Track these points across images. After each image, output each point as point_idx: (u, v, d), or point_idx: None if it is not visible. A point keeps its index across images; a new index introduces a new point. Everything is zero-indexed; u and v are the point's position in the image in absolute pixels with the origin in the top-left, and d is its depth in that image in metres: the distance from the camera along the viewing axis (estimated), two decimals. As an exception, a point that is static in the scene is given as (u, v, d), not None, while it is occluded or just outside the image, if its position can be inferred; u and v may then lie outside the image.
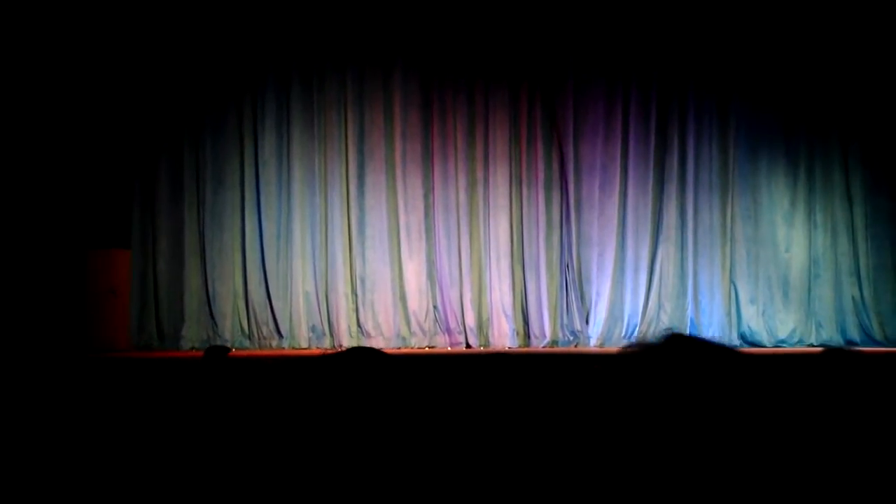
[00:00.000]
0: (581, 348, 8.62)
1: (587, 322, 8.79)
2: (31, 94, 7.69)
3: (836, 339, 9.00)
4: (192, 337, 8.13)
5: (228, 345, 8.10)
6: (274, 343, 8.25)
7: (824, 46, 9.11)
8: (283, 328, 8.28)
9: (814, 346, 8.92)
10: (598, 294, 8.80)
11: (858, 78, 9.17)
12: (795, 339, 8.98)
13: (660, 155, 8.97)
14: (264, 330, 8.27)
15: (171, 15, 8.12)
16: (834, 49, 9.11)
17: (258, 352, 7.97)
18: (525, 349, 8.54)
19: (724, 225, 9.01)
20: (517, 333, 8.69)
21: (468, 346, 8.53)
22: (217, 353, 3.09)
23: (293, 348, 8.23)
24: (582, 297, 8.80)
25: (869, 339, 9.03)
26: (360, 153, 8.57)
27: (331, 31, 8.50)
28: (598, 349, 8.51)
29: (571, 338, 8.73)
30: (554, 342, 8.68)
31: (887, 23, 9.06)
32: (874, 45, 9.14)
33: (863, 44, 9.13)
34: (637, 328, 8.80)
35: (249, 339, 8.23)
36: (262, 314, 8.29)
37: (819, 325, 9.06)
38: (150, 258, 8.14)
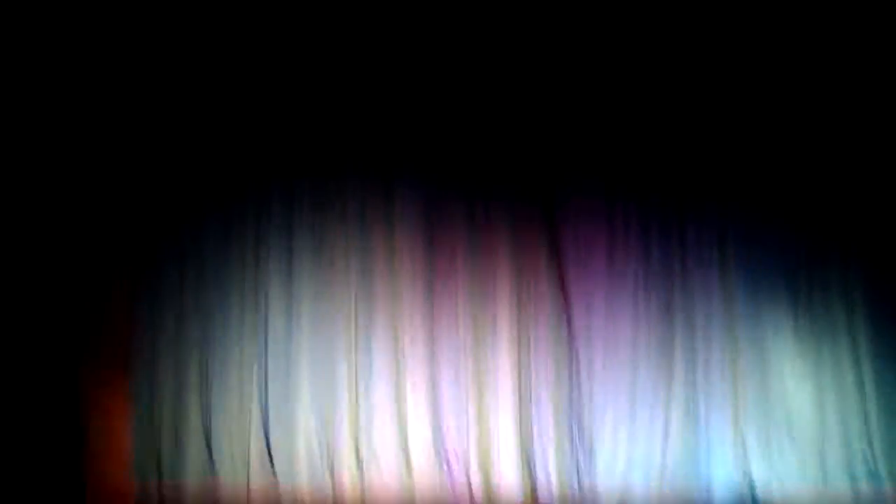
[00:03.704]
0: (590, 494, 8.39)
1: (596, 466, 8.59)
2: (32, 212, 7.87)
3: (847, 494, 8.80)
4: (190, 471, 7.95)
5: (226, 480, 7.93)
6: (271, 480, 8.05)
7: (825, 206, 9.36)
8: (282, 465, 8.14)
9: (822, 489, 8.71)
10: (610, 449, 8.63)
11: (867, 243, 9.36)
12: (805, 483, 8.76)
13: (667, 317, 8.94)
14: (261, 466, 8.11)
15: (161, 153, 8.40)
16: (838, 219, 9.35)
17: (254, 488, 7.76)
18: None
19: (734, 374, 8.92)
20: (524, 492, 8.45)
21: (473, 501, 8.32)
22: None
23: (292, 486, 8.03)
24: (592, 456, 8.61)
25: (880, 494, 8.83)
26: (366, 291, 8.61)
27: (336, 176, 8.75)
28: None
29: (578, 490, 8.50)
30: (562, 499, 8.45)
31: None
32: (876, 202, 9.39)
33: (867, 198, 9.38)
34: (649, 482, 8.57)
35: (247, 475, 8.05)
36: (262, 450, 8.16)
37: (828, 470, 8.84)
38: (153, 389, 8.07)
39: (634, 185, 9.15)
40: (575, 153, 9.11)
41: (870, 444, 8.99)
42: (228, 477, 8.03)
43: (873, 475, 8.90)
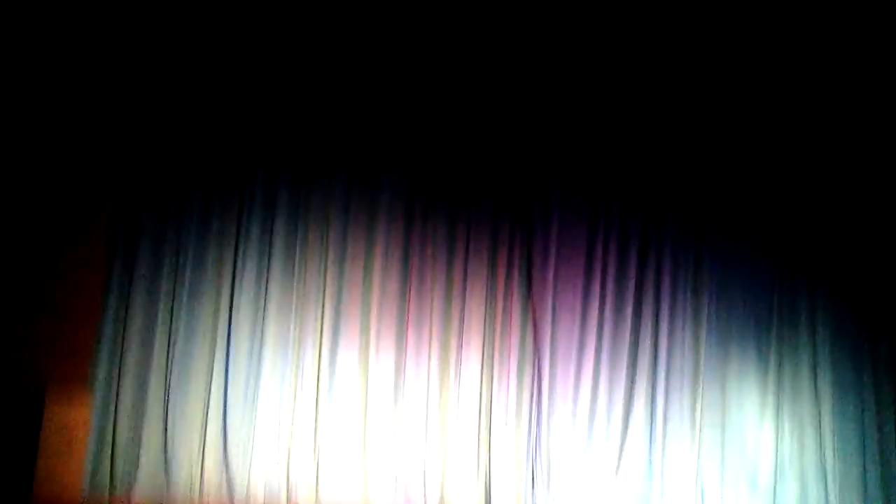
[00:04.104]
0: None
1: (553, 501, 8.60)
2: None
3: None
4: (145, 489, 7.71)
5: (180, 499, 7.77)
6: (226, 501, 7.89)
7: (794, 236, 9.45)
8: (238, 486, 7.92)
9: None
10: (566, 476, 8.68)
11: (829, 267, 9.46)
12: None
13: (633, 347, 9.10)
14: (217, 487, 7.89)
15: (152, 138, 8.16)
16: (807, 240, 9.44)
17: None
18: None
19: (692, 417, 9.06)
20: (480, 508, 8.46)
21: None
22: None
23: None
24: (549, 482, 8.67)
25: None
26: (335, 319, 8.49)
27: (314, 184, 8.62)
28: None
29: (536, 520, 8.53)
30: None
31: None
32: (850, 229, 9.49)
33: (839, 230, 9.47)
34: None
35: (202, 494, 7.86)
36: (218, 470, 7.89)
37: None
38: (112, 404, 7.87)
39: (614, 206, 9.24)
40: (558, 170, 9.16)
41: (826, 497, 9.10)
42: (183, 491, 7.84)
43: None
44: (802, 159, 9.58)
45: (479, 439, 8.65)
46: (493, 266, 9.01)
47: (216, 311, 8.21)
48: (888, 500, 9.21)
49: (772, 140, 9.51)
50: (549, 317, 9.01)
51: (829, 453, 9.24)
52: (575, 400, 8.93)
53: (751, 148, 9.49)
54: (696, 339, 9.25)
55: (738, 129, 9.47)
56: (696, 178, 9.44)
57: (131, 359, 7.92)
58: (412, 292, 8.76)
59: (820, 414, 9.35)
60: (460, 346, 8.78)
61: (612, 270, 9.20)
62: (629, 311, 9.18)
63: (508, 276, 9.03)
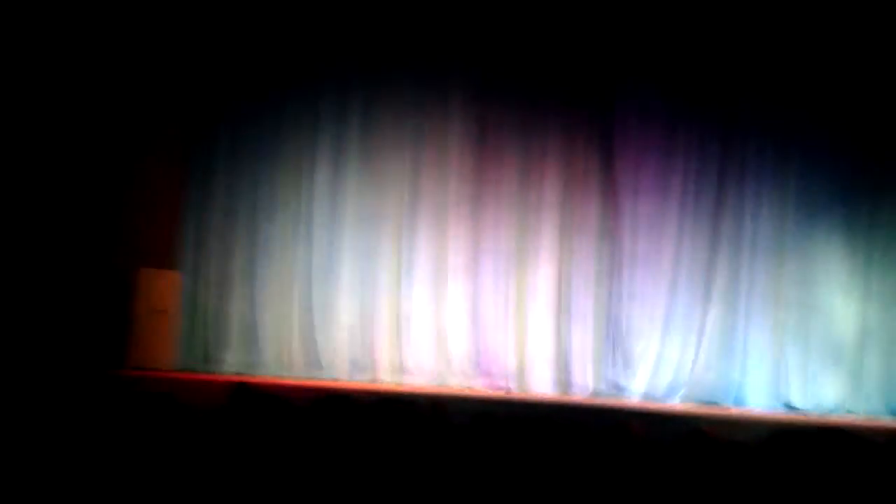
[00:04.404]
0: (623, 401, 8.48)
1: (631, 376, 8.67)
2: (93, 107, 7.85)
3: (884, 412, 8.80)
4: (234, 362, 8.14)
5: (268, 373, 8.13)
6: (313, 374, 8.24)
7: (882, 112, 8.97)
8: (324, 360, 8.28)
9: (859, 416, 8.72)
10: (644, 349, 8.68)
11: None
12: (842, 409, 8.77)
13: (716, 214, 8.87)
14: (304, 360, 8.26)
15: (239, 48, 8.26)
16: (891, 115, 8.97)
17: (293, 381, 7.91)
18: (564, 398, 8.44)
19: (777, 289, 8.86)
20: (557, 382, 8.59)
21: (507, 390, 8.44)
22: (241, 394, 3.10)
23: (332, 380, 8.22)
24: (627, 351, 8.68)
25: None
26: (413, 191, 8.59)
27: (391, 71, 8.54)
28: (640, 404, 8.39)
29: (614, 391, 8.60)
30: (595, 394, 8.55)
31: None
32: None
33: None
34: (683, 387, 8.67)
35: (289, 368, 8.23)
36: (304, 344, 8.29)
37: (867, 397, 8.85)
38: (201, 282, 8.21)
39: (695, 95, 8.86)
40: (636, 61, 8.80)
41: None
42: (271, 368, 8.20)
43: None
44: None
45: (557, 315, 8.69)
46: (570, 140, 8.81)
47: (297, 191, 8.43)
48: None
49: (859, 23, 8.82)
50: (629, 189, 8.81)
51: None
52: (655, 275, 8.81)
53: (835, 32, 8.82)
54: (782, 208, 8.94)
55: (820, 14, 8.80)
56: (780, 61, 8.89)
57: (215, 242, 8.26)
58: (488, 169, 8.69)
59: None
60: (538, 219, 8.72)
61: (695, 144, 8.88)
62: (712, 183, 8.88)
63: (587, 149, 8.84)
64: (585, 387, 8.57)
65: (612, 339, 8.71)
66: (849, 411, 8.76)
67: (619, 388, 8.62)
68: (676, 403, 8.57)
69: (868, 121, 9.00)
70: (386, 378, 8.34)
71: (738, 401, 8.67)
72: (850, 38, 8.81)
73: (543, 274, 8.70)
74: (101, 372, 6.93)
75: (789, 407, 8.71)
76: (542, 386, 8.54)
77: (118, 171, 7.95)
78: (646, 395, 8.61)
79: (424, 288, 8.53)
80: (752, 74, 8.89)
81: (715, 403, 8.60)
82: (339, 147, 8.50)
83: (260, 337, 8.22)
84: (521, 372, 8.56)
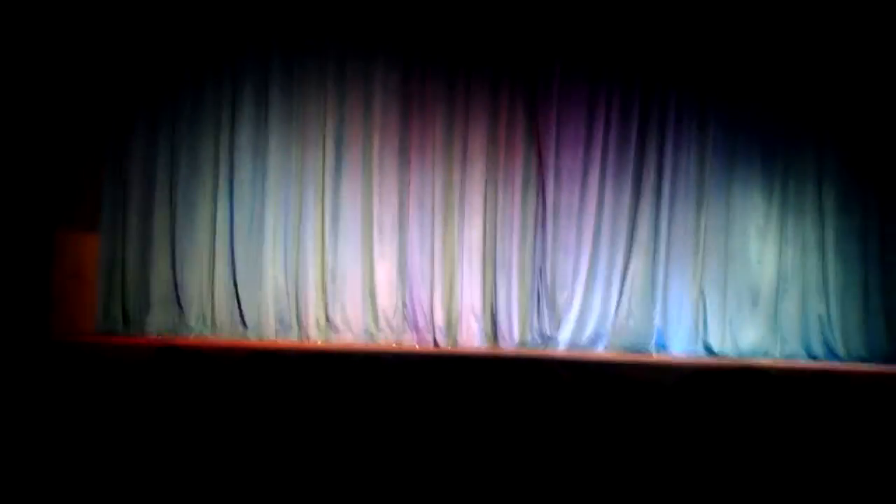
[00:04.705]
0: (549, 351, 8.62)
1: (557, 327, 8.81)
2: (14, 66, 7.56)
3: (800, 354, 9.14)
4: (157, 323, 8.00)
5: (192, 334, 8.03)
6: (238, 333, 8.15)
7: (803, 63, 9.21)
8: (250, 319, 8.18)
9: (777, 359, 9.04)
10: (569, 299, 8.82)
11: (837, 96, 9.29)
12: (760, 352, 9.08)
13: (638, 164, 9.02)
14: (229, 320, 8.16)
15: None
16: (813, 66, 9.22)
17: (219, 342, 7.83)
18: (493, 350, 8.53)
19: (696, 236, 9.10)
20: (486, 334, 8.68)
21: (436, 344, 8.50)
22: (166, 355, 3.05)
23: (259, 340, 8.15)
24: (553, 302, 8.82)
25: (832, 354, 9.17)
26: (338, 144, 8.51)
27: (313, 17, 8.40)
28: (566, 353, 8.53)
29: (540, 341, 8.74)
30: (522, 344, 8.68)
31: (866, 43, 9.17)
32: (853, 64, 9.26)
33: (842, 62, 9.24)
34: (606, 335, 8.84)
35: (213, 328, 8.13)
36: (228, 303, 8.19)
37: (784, 339, 9.17)
38: (119, 242, 8.02)
39: (616, 52, 8.96)
40: (561, 31, 8.84)
41: (827, 309, 9.26)
42: (196, 328, 8.10)
43: (829, 344, 9.22)
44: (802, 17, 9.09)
45: (484, 267, 8.75)
46: (494, 94, 8.83)
47: (217, 148, 8.26)
48: (889, 310, 9.38)
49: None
50: (552, 142, 8.89)
51: (830, 266, 9.33)
52: (579, 225, 8.94)
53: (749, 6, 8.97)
54: (701, 158, 9.14)
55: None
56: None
57: (135, 200, 8.04)
58: (413, 124, 8.67)
59: (823, 229, 9.36)
60: (463, 173, 8.76)
61: (616, 98, 9.01)
62: (633, 136, 9.03)
63: (511, 103, 8.86)
64: (513, 338, 8.68)
65: (538, 290, 8.82)
66: (767, 354, 9.08)
67: (545, 339, 8.75)
68: (601, 351, 8.75)
69: (784, 71, 9.22)
70: (314, 336, 8.31)
71: (661, 347, 8.89)
72: None
73: (470, 227, 8.74)
74: (20, 340, 6.77)
75: (709, 351, 8.97)
76: (471, 339, 8.61)
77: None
78: (571, 345, 8.77)
79: (351, 244, 8.48)
80: (671, 31, 9.01)
81: (638, 350, 8.81)
82: (260, 102, 8.34)
83: (182, 298, 8.09)
84: (449, 325, 8.61)
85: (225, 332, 8.13)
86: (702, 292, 9.04)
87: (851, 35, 9.13)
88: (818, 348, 9.19)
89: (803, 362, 8.99)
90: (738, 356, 8.95)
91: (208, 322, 8.13)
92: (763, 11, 9.02)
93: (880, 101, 9.34)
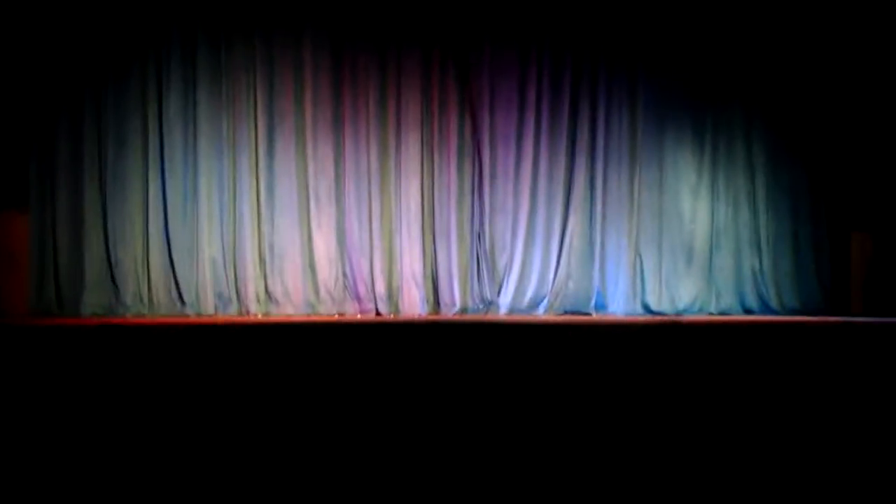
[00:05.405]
0: (491, 316, 8.68)
1: (498, 290, 8.87)
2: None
3: (736, 308, 9.34)
4: (92, 303, 7.84)
5: (129, 313, 7.90)
6: (177, 310, 8.05)
7: (728, 22, 9.35)
8: (187, 295, 8.07)
9: (713, 314, 9.23)
10: (509, 263, 8.89)
11: (761, 53, 9.45)
12: (696, 308, 9.27)
13: (571, 126, 9.11)
14: (166, 297, 8.04)
15: None
16: (737, 25, 9.36)
17: (157, 320, 7.73)
18: (435, 317, 8.56)
19: (631, 195, 9.21)
20: (427, 301, 8.71)
21: (378, 313, 8.50)
22: (102, 335, 3.00)
23: (198, 315, 8.06)
24: (493, 266, 8.87)
25: (766, 307, 9.39)
26: (270, 117, 8.41)
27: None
28: (507, 318, 8.59)
29: (482, 306, 8.79)
30: (464, 310, 8.73)
31: (786, 10, 9.33)
32: (776, 23, 9.42)
33: (765, 21, 9.39)
34: (547, 298, 8.92)
35: (150, 306, 8.01)
36: (165, 280, 8.05)
37: (719, 294, 9.36)
38: (49, 221, 7.81)
39: (549, 32, 9.00)
40: (491, 7, 8.84)
41: (760, 262, 9.47)
42: (133, 308, 7.97)
43: (763, 297, 9.44)
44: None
45: (423, 234, 8.76)
46: (426, 59, 8.82)
47: (145, 121, 8.08)
48: (819, 262, 9.63)
49: None
50: (486, 107, 8.92)
51: (762, 220, 9.54)
52: (516, 187, 9.00)
53: None
54: (633, 118, 9.24)
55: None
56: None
57: (64, 178, 7.84)
58: (346, 91, 8.59)
59: (754, 184, 9.56)
60: (398, 141, 8.73)
61: (547, 61, 9.07)
62: (566, 99, 9.10)
63: (444, 67, 8.85)
64: (454, 303, 8.71)
65: (478, 254, 8.86)
66: (703, 310, 9.27)
67: (487, 303, 8.81)
68: (542, 314, 8.84)
69: (709, 34, 9.35)
70: (254, 310, 8.24)
71: (600, 307, 9.01)
72: None
73: (408, 194, 8.73)
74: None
75: (647, 310, 9.12)
76: (412, 306, 8.62)
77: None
78: (513, 309, 8.84)
79: (288, 215, 8.41)
80: (606, 24, 9.13)
81: (578, 311, 8.92)
82: (189, 75, 8.18)
83: (117, 277, 7.93)
84: (390, 293, 8.61)
85: (163, 310, 8.00)
86: (638, 251, 9.17)
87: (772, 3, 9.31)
88: (753, 302, 9.40)
89: (740, 316, 9.20)
90: (676, 313, 9.12)
91: (145, 300, 8.00)
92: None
93: (805, 60, 9.53)
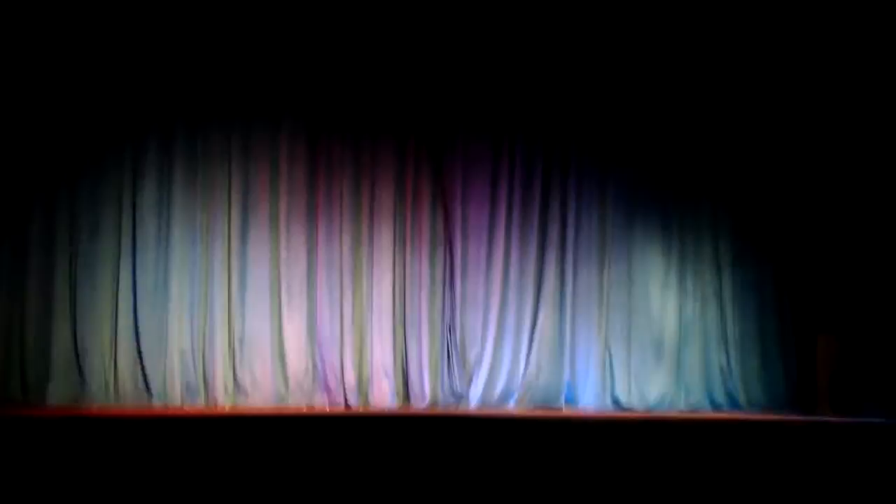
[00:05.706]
0: (462, 410, 8.63)
1: (468, 384, 8.84)
2: None
3: (704, 404, 9.37)
4: (58, 394, 7.67)
5: (95, 403, 7.76)
6: (144, 400, 7.91)
7: (696, 127, 9.64)
8: (155, 385, 7.93)
9: (683, 410, 9.24)
10: (479, 355, 8.89)
11: (729, 152, 9.73)
12: (666, 404, 9.29)
13: (542, 220, 9.26)
14: (133, 387, 7.89)
15: (52, 59, 7.91)
16: (705, 124, 9.66)
17: (123, 411, 7.59)
18: (405, 410, 8.49)
19: (600, 290, 9.31)
20: (397, 394, 8.64)
21: (347, 405, 8.41)
22: (66, 428, 2.98)
23: (165, 406, 7.94)
24: (463, 359, 8.87)
25: (734, 404, 9.43)
26: (244, 207, 8.45)
27: (217, 84, 8.42)
28: (478, 411, 8.55)
29: (452, 399, 8.75)
30: (434, 403, 8.67)
31: (750, 101, 9.66)
32: (743, 129, 9.72)
33: (732, 128, 9.70)
34: (517, 391, 8.90)
35: (116, 395, 7.86)
36: (132, 370, 7.92)
37: (688, 391, 9.40)
38: (17, 309, 7.72)
39: (521, 127, 9.26)
40: (464, 95, 9.09)
41: (728, 359, 9.55)
42: (99, 397, 7.82)
43: (731, 394, 9.49)
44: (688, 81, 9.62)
45: (394, 325, 8.76)
46: (401, 152, 8.97)
47: (119, 209, 8.10)
48: (786, 358, 9.72)
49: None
50: (459, 200, 9.07)
51: (729, 317, 9.65)
52: (487, 280, 9.08)
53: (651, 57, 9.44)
54: (602, 213, 9.41)
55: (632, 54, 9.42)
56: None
57: (34, 265, 7.80)
58: (320, 182, 8.70)
59: (721, 281, 9.71)
60: (371, 232, 8.81)
61: (519, 156, 9.27)
62: (537, 193, 9.27)
63: (417, 161, 9.00)
64: (424, 396, 8.67)
65: (448, 347, 8.86)
66: (672, 405, 9.28)
67: (457, 396, 8.77)
68: (512, 408, 8.81)
69: (678, 135, 9.65)
70: (222, 401, 8.14)
71: (570, 402, 9.01)
72: (663, 66, 9.39)
73: (379, 286, 8.76)
74: None
75: (617, 404, 9.12)
76: (382, 399, 8.56)
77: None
78: (483, 402, 8.81)
79: (259, 306, 8.38)
80: (571, 95, 9.39)
81: (548, 405, 8.90)
82: (165, 163, 8.22)
83: (84, 366, 7.80)
84: (360, 385, 8.56)
85: (129, 400, 7.86)
86: (607, 346, 9.22)
87: (737, 104, 9.64)
88: (721, 398, 9.45)
89: (708, 412, 9.21)
90: (646, 409, 9.13)
91: (111, 390, 7.87)
92: (658, 77, 9.46)
93: (772, 162, 9.80)
